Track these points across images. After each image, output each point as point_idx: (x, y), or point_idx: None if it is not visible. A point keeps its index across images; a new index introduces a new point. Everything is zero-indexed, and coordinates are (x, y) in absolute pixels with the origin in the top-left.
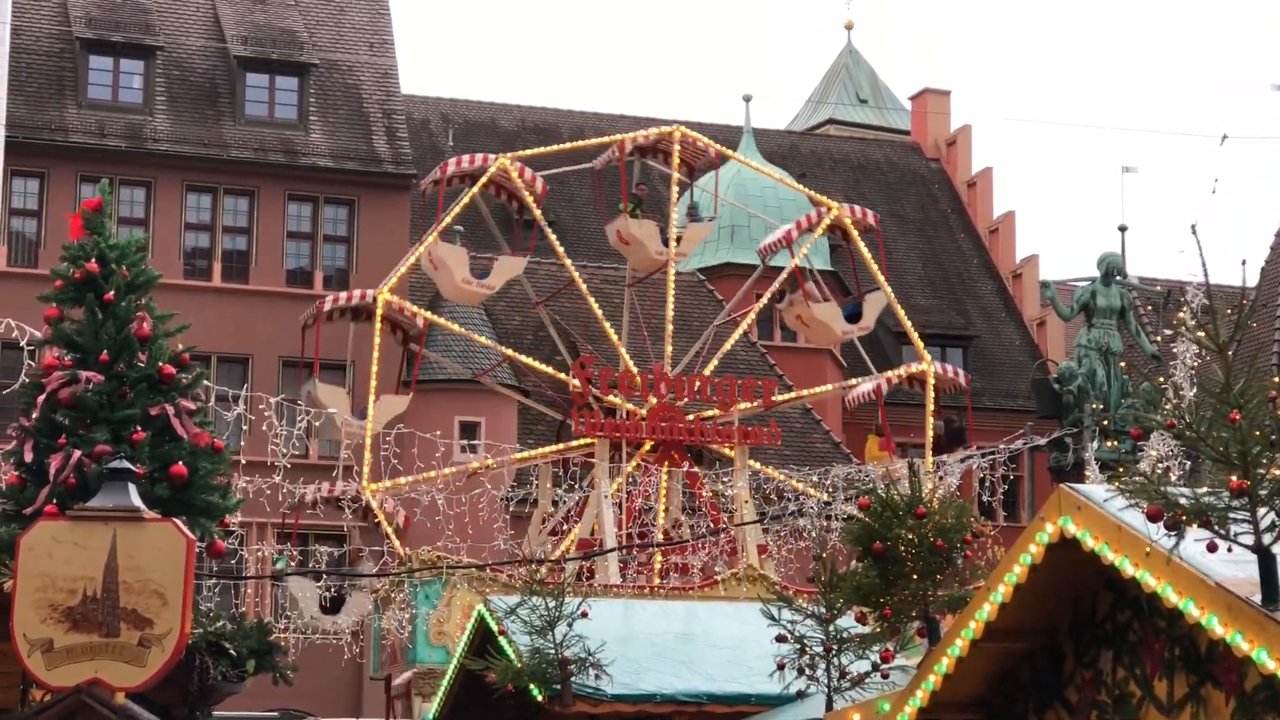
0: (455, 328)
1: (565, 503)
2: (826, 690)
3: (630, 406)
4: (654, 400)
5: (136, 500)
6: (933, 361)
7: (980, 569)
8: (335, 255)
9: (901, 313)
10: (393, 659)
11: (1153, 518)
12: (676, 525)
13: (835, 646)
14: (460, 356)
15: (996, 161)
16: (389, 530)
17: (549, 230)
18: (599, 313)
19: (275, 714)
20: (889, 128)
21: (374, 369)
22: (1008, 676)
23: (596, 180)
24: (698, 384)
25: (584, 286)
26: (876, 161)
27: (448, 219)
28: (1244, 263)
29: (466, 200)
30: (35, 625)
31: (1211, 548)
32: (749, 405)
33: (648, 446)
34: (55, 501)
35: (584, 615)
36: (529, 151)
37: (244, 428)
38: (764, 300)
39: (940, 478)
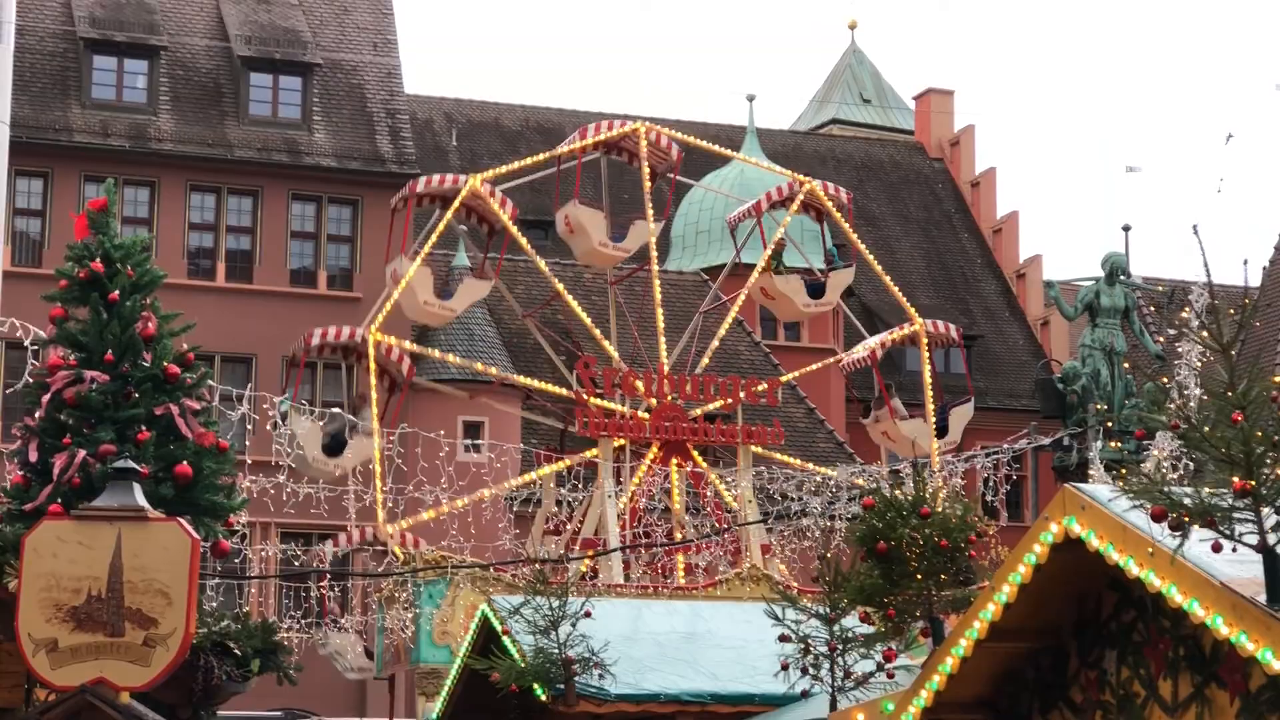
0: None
1: (569, 503)
2: (831, 690)
3: (625, 409)
4: (654, 401)
5: (141, 500)
6: (923, 321)
7: (984, 569)
8: (339, 255)
9: (889, 281)
10: (396, 658)
11: (1157, 518)
12: (680, 525)
13: (840, 646)
14: (464, 356)
15: (1000, 161)
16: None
17: (524, 241)
18: (587, 319)
19: (279, 714)
20: (893, 127)
21: (374, 411)
22: (1012, 676)
23: (556, 165)
24: (700, 383)
25: (568, 296)
26: (880, 161)
27: (426, 249)
28: (1246, 262)
29: (441, 227)
30: (40, 625)
31: (1216, 548)
32: (760, 388)
33: (653, 452)
34: (60, 501)
35: (588, 615)
36: (503, 169)
37: (248, 427)
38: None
39: (946, 477)
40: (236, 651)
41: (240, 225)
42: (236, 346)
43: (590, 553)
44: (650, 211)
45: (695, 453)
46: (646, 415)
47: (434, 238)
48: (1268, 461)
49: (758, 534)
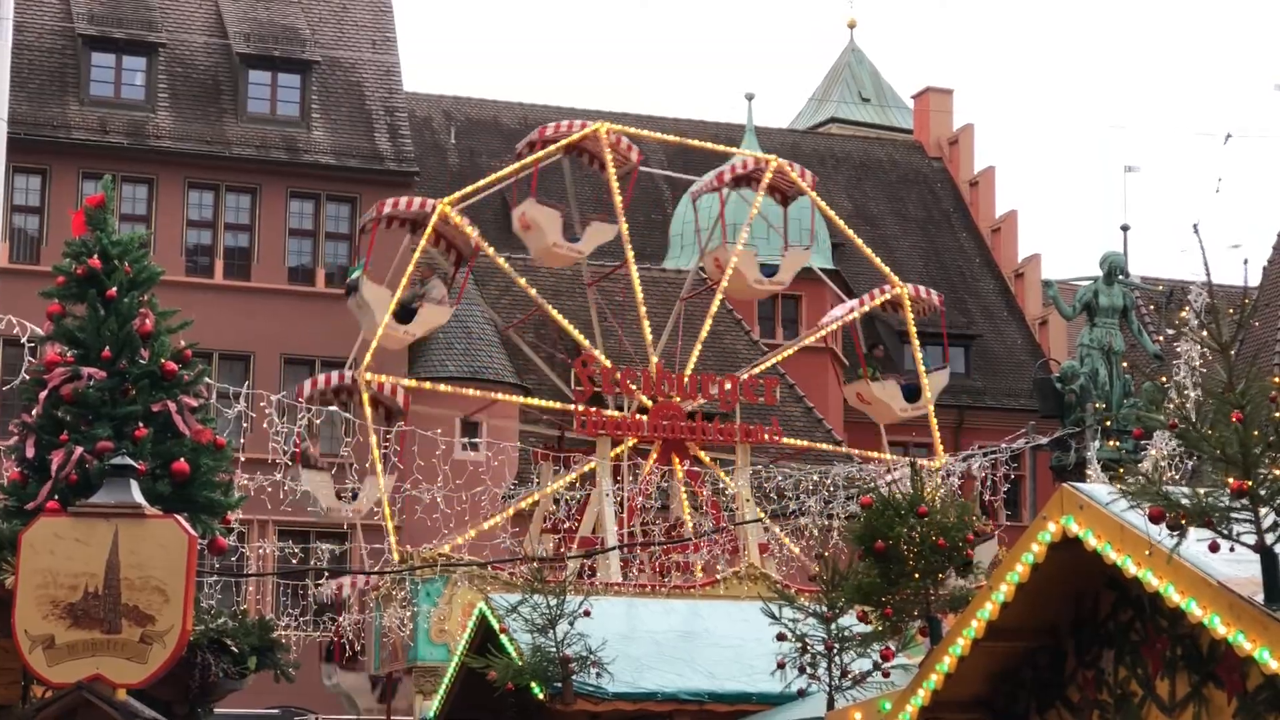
0: (501, 261)
1: (567, 501)
2: (828, 689)
3: (644, 400)
4: (646, 401)
5: (138, 497)
6: (904, 284)
7: (982, 568)
8: (337, 252)
9: (869, 251)
10: (394, 657)
11: (1155, 518)
12: (678, 524)
13: (837, 645)
14: (461, 355)
15: (999, 160)
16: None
17: (501, 261)
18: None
19: (276, 711)
20: (891, 126)
21: (375, 452)
22: (1009, 675)
23: (517, 163)
24: (700, 382)
25: (546, 305)
26: (879, 160)
27: (403, 281)
28: (1245, 262)
29: (417, 255)
30: (37, 621)
31: (1213, 547)
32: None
33: (652, 458)
34: (57, 498)
35: (585, 613)
36: (469, 189)
37: (245, 425)
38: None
39: (945, 477)
40: (233, 649)
41: (238, 223)
42: (234, 344)
43: (586, 551)
44: (621, 210)
45: (701, 452)
46: (644, 416)
47: (410, 268)
48: (1266, 461)
49: (755, 533)
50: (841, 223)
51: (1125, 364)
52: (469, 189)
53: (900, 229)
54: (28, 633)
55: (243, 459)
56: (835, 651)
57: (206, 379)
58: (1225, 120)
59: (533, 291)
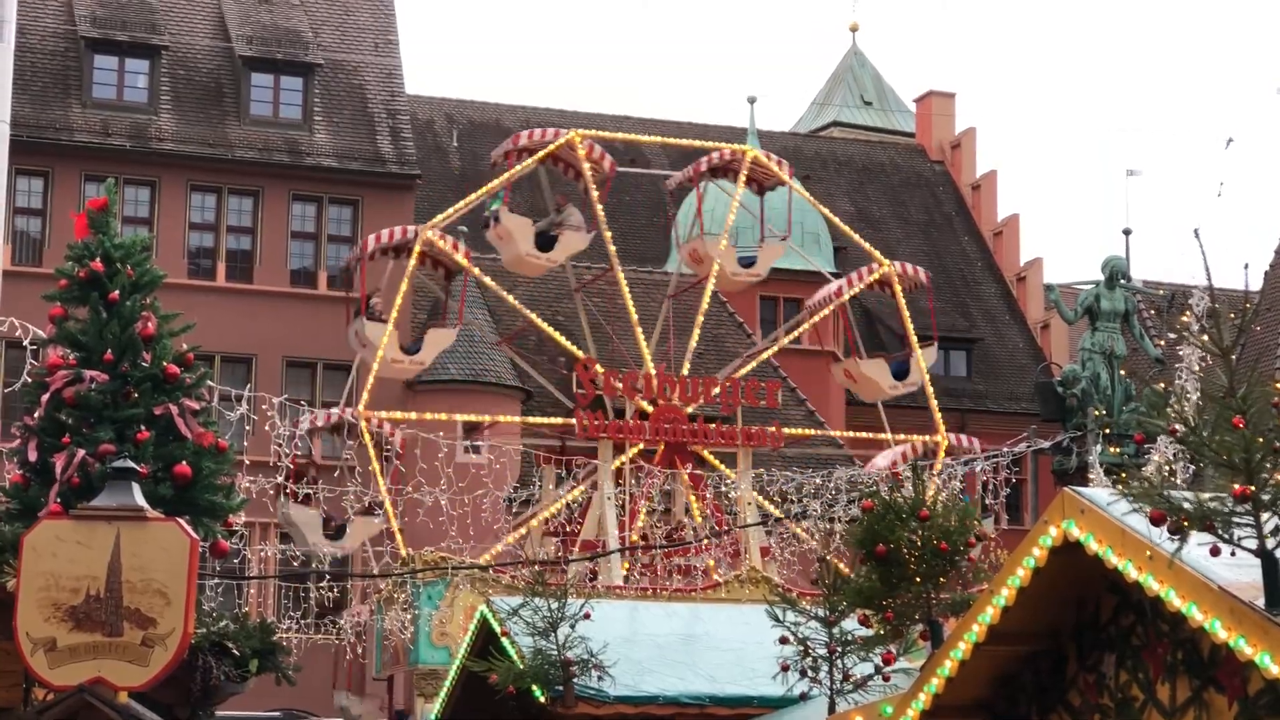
0: (489, 280)
1: (569, 504)
2: (829, 693)
3: (644, 405)
4: (646, 404)
5: (140, 500)
6: (890, 262)
7: (983, 572)
8: (339, 255)
9: (851, 230)
10: (395, 659)
11: (1156, 522)
12: (679, 527)
13: (838, 649)
14: (463, 358)
15: (1001, 164)
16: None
17: (489, 280)
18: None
19: (278, 714)
20: (893, 130)
21: (398, 300)
22: (1010, 680)
23: (492, 167)
24: (701, 386)
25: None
26: (881, 164)
27: (393, 313)
28: (1247, 267)
29: (405, 287)
30: (38, 624)
31: (1215, 552)
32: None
33: (657, 454)
34: (59, 500)
35: (587, 617)
36: (450, 211)
37: (247, 428)
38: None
39: (945, 480)
40: (235, 652)
41: (241, 225)
42: (236, 347)
43: (588, 555)
44: (602, 217)
45: (708, 454)
46: (645, 420)
47: (399, 299)
48: (1267, 466)
49: (757, 536)
50: (825, 210)
51: (1126, 369)
52: (450, 212)
53: (902, 232)
54: (29, 635)
55: (246, 462)
56: (837, 655)
57: (208, 382)
58: (1227, 125)
59: (527, 311)
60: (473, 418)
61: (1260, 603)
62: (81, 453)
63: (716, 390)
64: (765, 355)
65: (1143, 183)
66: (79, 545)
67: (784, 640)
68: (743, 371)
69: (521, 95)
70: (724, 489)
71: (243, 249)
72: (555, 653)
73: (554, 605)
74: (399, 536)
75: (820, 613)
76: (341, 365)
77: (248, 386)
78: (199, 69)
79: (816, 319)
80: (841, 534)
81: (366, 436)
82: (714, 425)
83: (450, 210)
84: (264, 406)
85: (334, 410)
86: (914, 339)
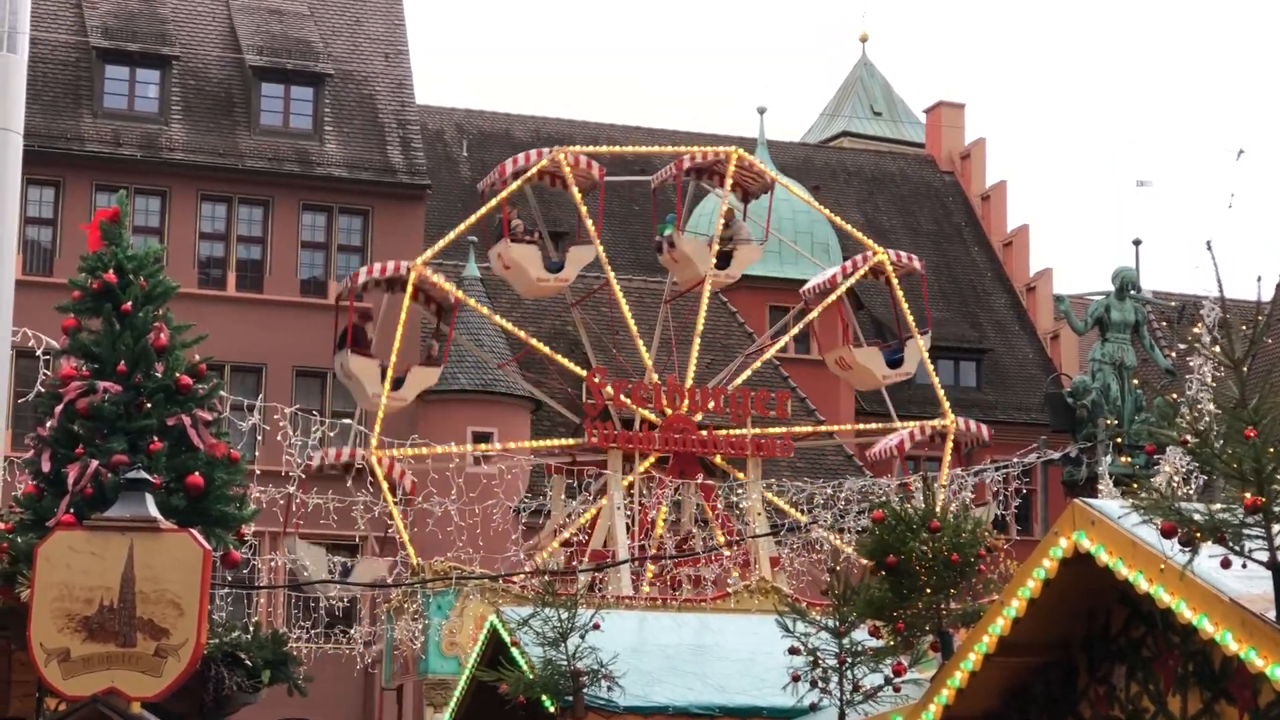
0: (484, 310)
1: (577, 514)
2: (839, 703)
3: (650, 415)
4: (669, 411)
5: (153, 510)
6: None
7: (994, 583)
8: (350, 265)
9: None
10: (405, 669)
11: (1167, 534)
12: (689, 537)
13: (848, 659)
14: (471, 368)
15: (1011, 175)
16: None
17: (484, 309)
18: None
19: None
20: (903, 140)
21: (399, 332)
22: (1021, 691)
23: (480, 197)
24: (711, 396)
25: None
26: (890, 174)
27: (393, 356)
28: (1259, 279)
29: (404, 316)
30: (52, 635)
31: (1225, 564)
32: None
33: (656, 457)
34: (72, 511)
35: (596, 627)
36: (439, 245)
37: (258, 438)
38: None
39: (957, 492)
40: (247, 662)
41: (251, 235)
42: (246, 356)
43: (597, 565)
44: (594, 230)
45: (718, 458)
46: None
47: (398, 337)
48: (1279, 478)
49: (767, 547)
50: (818, 204)
51: (1137, 379)
52: (440, 245)
53: (912, 243)
54: (43, 645)
55: (257, 472)
56: (847, 666)
57: (221, 393)
58: (1237, 136)
59: (521, 333)
60: (483, 448)
61: (1271, 615)
62: (95, 463)
63: (725, 399)
64: (769, 354)
65: (1153, 193)
66: (92, 556)
67: (794, 651)
68: (745, 375)
69: (532, 106)
70: (734, 499)
71: (253, 259)
72: (565, 663)
73: (564, 615)
74: (409, 547)
75: (830, 623)
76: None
77: (259, 397)
78: (210, 79)
79: (818, 311)
80: (853, 545)
81: (381, 478)
82: (724, 434)
83: (441, 242)
84: (275, 416)
85: (345, 449)
86: (912, 322)
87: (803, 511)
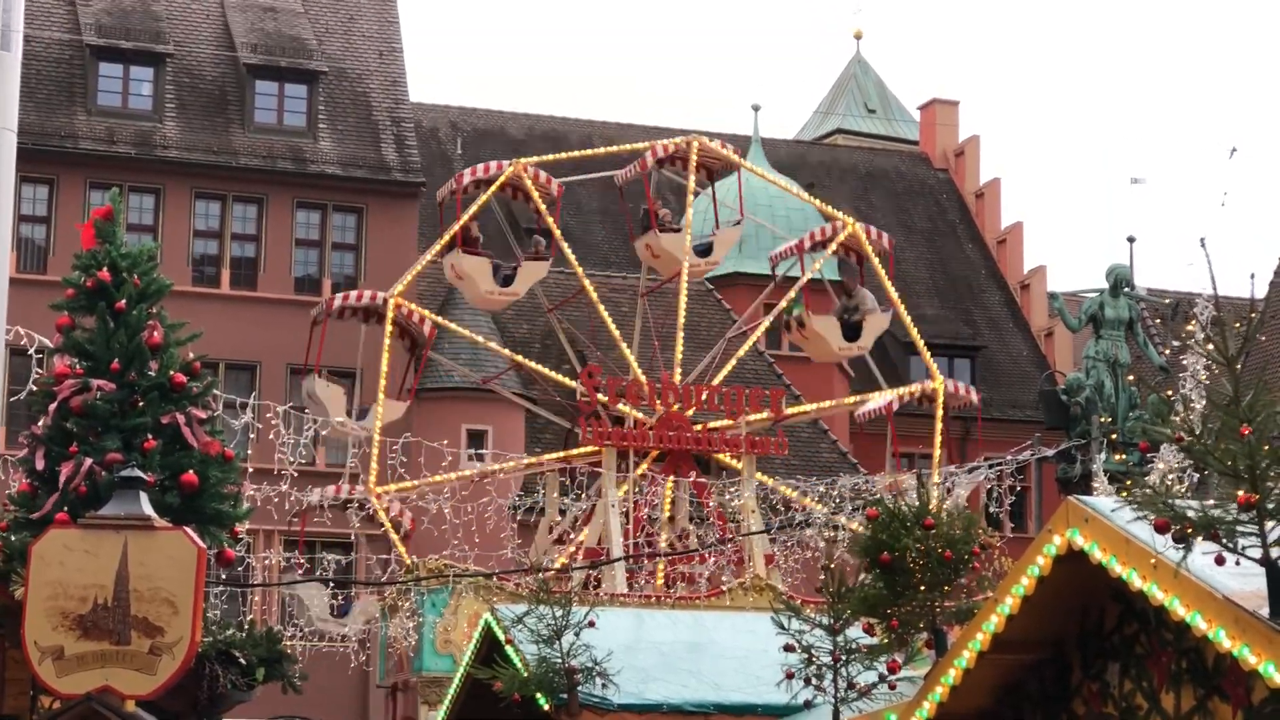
0: (464, 332)
1: (572, 511)
2: (834, 701)
3: (638, 414)
4: (661, 409)
5: (148, 508)
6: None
7: (988, 580)
8: (343, 263)
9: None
10: (399, 667)
11: (1160, 530)
12: (684, 535)
13: (843, 657)
14: (468, 364)
15: (1005, 172)
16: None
17: (466, 331)
18: (609, 320)
19: None
20: (897, 138)
21: (383, 368)
22: (1015, 688)
23: (439, 205)
24: (705, 393)
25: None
26: (885, 171)
27: (455, 227)
28: (1253, 276)
29: (386, 349)
30: (46, 633)
31: (1219, 561)
32: (758, 416)
33: (654, 455)
34: (66, 509)
35: (591, 624)
36: (409, 276)
37: (251, 435)
38: (772, 315)
39: (949, 490)
40: (241, 660)
41: (245, 233)
42: (240, 354)
43: (591, 562)
44: (560, 238)
45: (697, 462)
46: (651, 421)
47: (384, 366)
48: (1272, 475)
49: (761, 544)
50: (890, 288)
51: (1131, 376)
52: (410, 276)
53: (906, 240)
54: (37, 644)
55: (250, 470)
56: (841, 663)
57: (215, 391)
58: (1231, 133)
59: (506, 351)
60: (479, 468)
61: (1265, 612)
62: (89, 461)
63: (719, 398)
64: (751, 340)
65: (1147, 191)
66: (87, 554)
67: (788, 648)
68: (729, 365)
69: (526, 103)
70: (728, 496)
71: (247, 256)
72: (560, 660)
73: (558, 613)
74: (400, 547)
75: (825, 620)
76: (346, 373)
77: (252, 394)
78: (204, 77)
79: (796, 290)
80: (846, 542)
81: (383, 516)
82: (718, 431)
83: (409, 275)
84: (268, 414)
85: (344, 485)
86: (892, 293)
87: (796, 511)
